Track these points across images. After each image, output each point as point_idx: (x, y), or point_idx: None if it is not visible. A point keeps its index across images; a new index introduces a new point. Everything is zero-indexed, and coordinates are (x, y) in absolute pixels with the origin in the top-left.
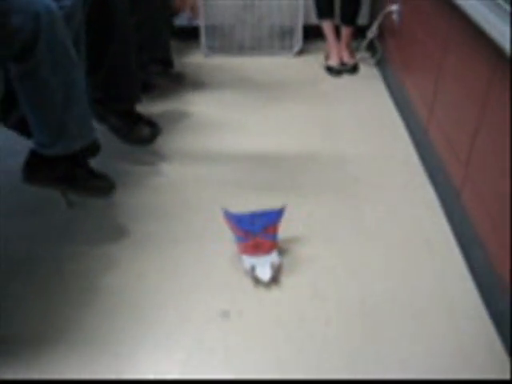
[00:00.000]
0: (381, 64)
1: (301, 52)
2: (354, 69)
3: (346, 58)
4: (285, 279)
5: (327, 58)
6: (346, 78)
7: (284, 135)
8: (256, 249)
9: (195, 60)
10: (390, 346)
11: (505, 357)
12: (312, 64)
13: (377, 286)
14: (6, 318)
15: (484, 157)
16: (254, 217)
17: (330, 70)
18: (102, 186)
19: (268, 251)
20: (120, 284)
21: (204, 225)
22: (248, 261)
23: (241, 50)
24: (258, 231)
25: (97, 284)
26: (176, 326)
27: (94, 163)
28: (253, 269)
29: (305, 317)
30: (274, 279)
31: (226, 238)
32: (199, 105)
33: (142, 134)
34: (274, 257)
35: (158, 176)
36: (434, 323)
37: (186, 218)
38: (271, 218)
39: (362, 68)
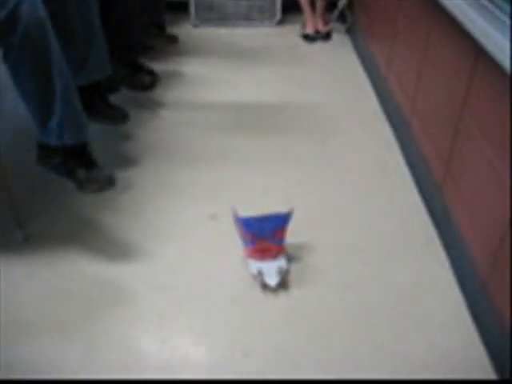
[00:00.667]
0: (350, 31)
1: (280, 23)
2: (327, 36)
3: (320, 27)
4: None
5: (303, 27)
6: (319, 44)
7: (265, 89)
8: (263, 253)
9: (185, 31)
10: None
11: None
12: (290, 33)
13: (335, 195)
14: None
15: (425, 93)
16: (261, 221)
17: (306, 37)
18: (118, 115)
19: (275, 256)
20: (126, 198)
21: (194, 153)
22: (255, 265)
23: (227, 21)
24: (265, 235)
25: (112, 195)
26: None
27: None
28: (260, 274)
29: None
30: (282, 284)
31: (211, 162)
32: (191, 65)
33: (145, 82)
34: (281, 262)
35: (156, 118)
36: (388, 234)
37: (179, 148)
38: (279, 222)
39: (334, 35)
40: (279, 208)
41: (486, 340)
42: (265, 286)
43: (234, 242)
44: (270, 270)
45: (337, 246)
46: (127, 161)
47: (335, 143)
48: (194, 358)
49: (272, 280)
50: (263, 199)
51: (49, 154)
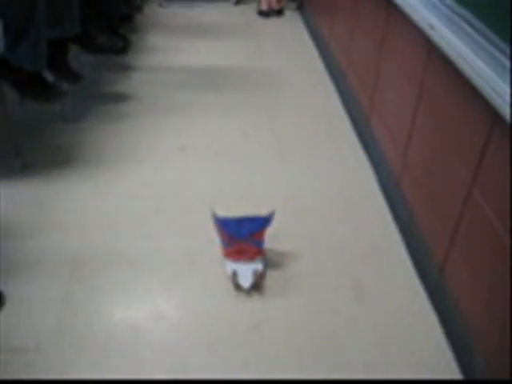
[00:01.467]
0: (301, 9)
1: (239, 2)
2: (279, 12)
3: (274, 4)
4: None
5: (259, 4)
6: (273, 20)
7: (224, 55)
8: (239, 254)
9: (152, 9)
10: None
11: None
12: (247, 11)
13: (284, 129)
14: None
15: (358, 50)
16: (240, 222)
17: (261, 13)
18: (73, 75)
19: (252, 257)
20: (106, 135)
21: (163, 104)
22: (230, 266)
23: (191, 2)
24: (243, 237)
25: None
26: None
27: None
28: (234, 275)
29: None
30: (256, 287)
31: (178, 109)
32: (158, 37)
33: (119, 46)
34: (257, 264)
35: (128, 79)
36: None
37: (150, 100)
38: (258, 225)
39: (287, 12)
40: (235, 138)
41: (396, 220)
42: (238, 287)
43: (200, 168)
44: (245, 271)
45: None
46: (104, 110)
47: (285, 94)
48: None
49: (246, 282)
50: (223, 134)
51: (12, 70)
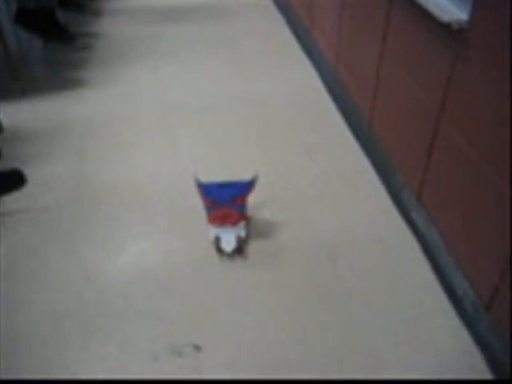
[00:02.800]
0: None
1: None
2: None
3: None
4: None
5: None
6: None
7: (195, 17)
8: (223, 220)
9: None
10: None
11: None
12: None
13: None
14: None
15: (320, 6)
16: (222, 187)
17: None
18: (67, 36)
19: (235, 222)
20: (89, 57)
21: (136, 38)
22: (213, 231)
23: None
24: (225, 202)
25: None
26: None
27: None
28: (217, 240)
29: None
30: (239, 250)
31: (149, 41)
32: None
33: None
34: (240, 229)
35: (100, 21)
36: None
37: (124, 37)
38: (240, 189)
39: None
40: (198, 59)
41: (390, 193)
42: (220, 251)
43: (171, 83)
44: (228, 236)
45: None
46: (85, 46)
47: (250, 46)
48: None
49: (228, 246)
50: (187, 54)
51: (27, 15)
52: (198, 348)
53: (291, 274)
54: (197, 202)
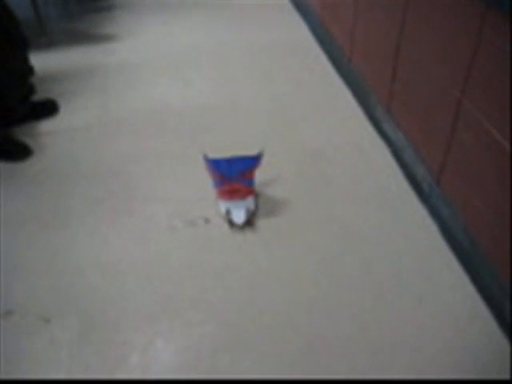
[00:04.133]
0: None
1: None
2: None
3: None
4: None
5: None
6: None
7: None
8: (232, 194)
9: None
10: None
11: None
12: None
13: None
14: None
15: None
16: (230, 162)
17: None
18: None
19: (244, 196)
20: (108, 22)
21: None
22: (223, 205)
23: None
24: (234, 176)
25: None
26: None
27: None
28: (228, 213)
29: None
30: (249, 223)
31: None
32: None
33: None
34: (249, 202)
35: None
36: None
37: (142, 6)
38: (248, 164)
39: None
40: (206, 17)
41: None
42: (232, 224)
43: (180, 36)
44: (238, 209)
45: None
46: (103, 7)
47: (249, 20)
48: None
49: (239, 219)
50: (195, 14)
51: None
52: (207, 220)
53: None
54: (200, 121)
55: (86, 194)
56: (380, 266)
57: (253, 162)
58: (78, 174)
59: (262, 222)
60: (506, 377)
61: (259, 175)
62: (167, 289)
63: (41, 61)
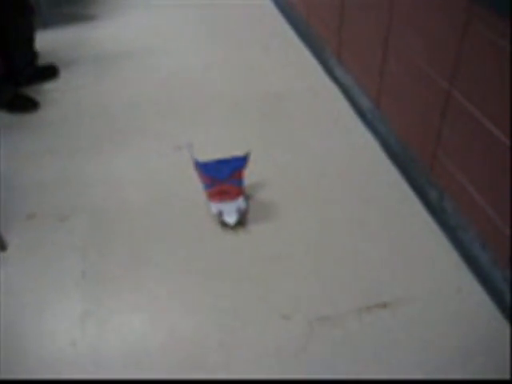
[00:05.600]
0: None
1: None
2: None
3: None
4: None
5: None
6: None
7: None
8: (223, 195)
9: None
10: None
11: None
12: None
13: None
14: None
15: None
16: (219, 164)
17: None
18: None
19: (234, 197)
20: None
21: None
22: (215, 207)
23: None
24: (223, 177)
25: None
26: None
27: None
28: (220, 214)
29: None
30: (241, 223)
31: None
32: None
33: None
34: (240, 202)
35: None
36: None
37: None
38: (236, 165)
39: None
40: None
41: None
42: (224, 225)
43: (161, 16)
44: (229, 209)
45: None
46: None
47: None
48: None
49: (231, 218)
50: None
51: None
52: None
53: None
54: (185, 75)
55: (89, 132)
56: (334, 177)
57: (241, 162)
58: (81, 119)
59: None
60: None
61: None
62: (159, 193)
63: (38, 39)
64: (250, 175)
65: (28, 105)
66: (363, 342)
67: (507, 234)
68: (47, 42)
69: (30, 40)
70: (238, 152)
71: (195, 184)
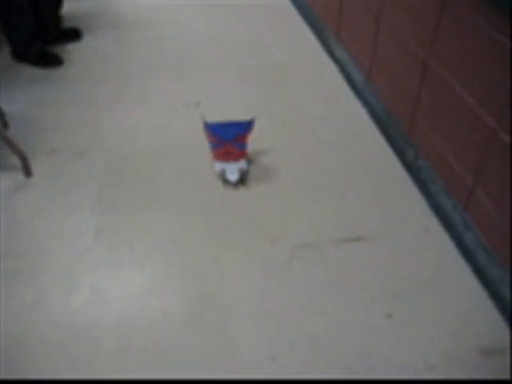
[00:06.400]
0: None
1: None
2: None
3: None
4: None
5: None
6: None
7: None
8: (227, 155)
9: None
10: None
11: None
12: None
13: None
14: None
15: None
16: (226, 126)
17: None
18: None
19: (237, 158)
20: None
21: None
22: (219, 165)
23: None
24: (229, 139)
25: None
26: None
27: None
28: (223, 172)
29: None
30: (242, 182)
31: None
32: None
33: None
34: (242, 163)
35: None
36: None
37: None
38: (242, 128)
39: None
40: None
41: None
42: (226, 182)
43: None
44: (232, 168)
45: None
46: None
47: None
48: None
49: (233, 176)
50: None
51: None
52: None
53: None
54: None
55: (107, 88)
56: (326, 140)
57: (246, 126)
58: (99, 76)
59: None
60: None
61: None
62: (168, 142)
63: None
64: (253, 141)
65: (53, 61)
66: (338, 265)
67: (470, 184)
68: (73, 8)
69: (59, 2)
70: (241, 115)
71: (201, 138)
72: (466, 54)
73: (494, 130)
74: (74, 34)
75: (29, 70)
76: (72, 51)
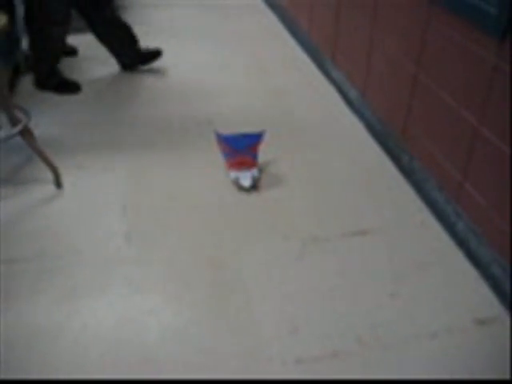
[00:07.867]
0: None
1: None
2: None
3: None
4: None
5: None
6: None
7: None
8: (240, 165)
9: None
10: None
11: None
12: None
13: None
14: None
15: None
16: (238, 137)
17: None
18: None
19: (250, 167)
20: None
21: None
22: (233, 174)
23: None
24: (242, 149)
25: None
26: None
27: None
28: (237, 179)
29: None
30: (255, 187)
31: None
32: None
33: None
34: (254, 171)
35: None
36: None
37: None
38: (253, 139)
39: None
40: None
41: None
42: (240, 188)
43: None
44: (245, 176)
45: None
46: None
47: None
48: None
49: (246, 182)
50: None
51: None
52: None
53: None
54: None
55: (127, 105)
56: (329, 152)
57: (257, 138)
58: (118, 97)
59: None
60: None
61: None
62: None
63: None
64: (261, 153)
65: (72, 87)
66: (346, 254)
67: (459, 178)
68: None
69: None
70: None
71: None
72: (449, 66)
73: (475, 127)
74: (155, 54)
75: (50, 96)
76: (87, 79)
